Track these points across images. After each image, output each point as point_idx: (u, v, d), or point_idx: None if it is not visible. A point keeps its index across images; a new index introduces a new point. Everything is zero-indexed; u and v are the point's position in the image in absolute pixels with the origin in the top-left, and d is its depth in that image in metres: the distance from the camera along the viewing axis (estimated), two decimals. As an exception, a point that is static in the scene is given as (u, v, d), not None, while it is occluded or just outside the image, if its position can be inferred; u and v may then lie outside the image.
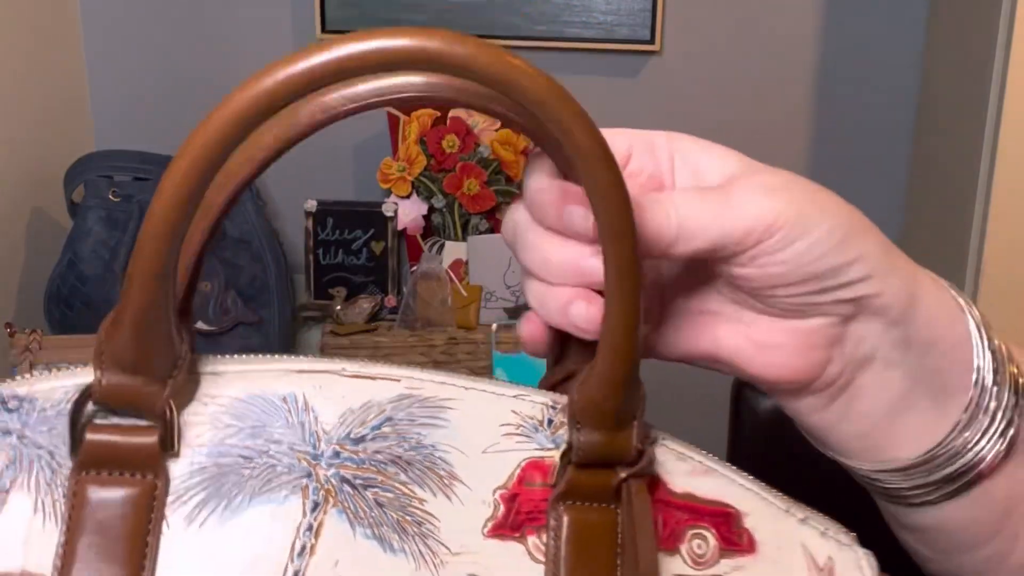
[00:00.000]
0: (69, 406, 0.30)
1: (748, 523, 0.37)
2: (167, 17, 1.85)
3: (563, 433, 0.34)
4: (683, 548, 0.36)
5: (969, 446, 0.37)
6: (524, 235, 0.35)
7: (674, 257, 0.35)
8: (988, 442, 0.36)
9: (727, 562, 0.36)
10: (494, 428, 0.34)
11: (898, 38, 1.77)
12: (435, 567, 0.33)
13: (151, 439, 0.31)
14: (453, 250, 1.72)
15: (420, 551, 0.33)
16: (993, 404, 0.36)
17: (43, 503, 0.30)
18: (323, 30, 1.78)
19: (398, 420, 0.33)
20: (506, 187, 1.72)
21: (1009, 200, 1.44)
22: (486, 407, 0.34)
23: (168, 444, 0.31)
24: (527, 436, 0.34)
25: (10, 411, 0.31)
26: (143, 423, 0.31)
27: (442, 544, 0.33)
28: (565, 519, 0.34)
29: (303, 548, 0.32)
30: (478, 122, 1.71)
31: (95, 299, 1.50)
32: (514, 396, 0.34)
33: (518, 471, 0.34)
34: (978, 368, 0.36)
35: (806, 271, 0.34)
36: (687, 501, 0.36)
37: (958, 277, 1.50)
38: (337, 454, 0.32)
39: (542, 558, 0.34)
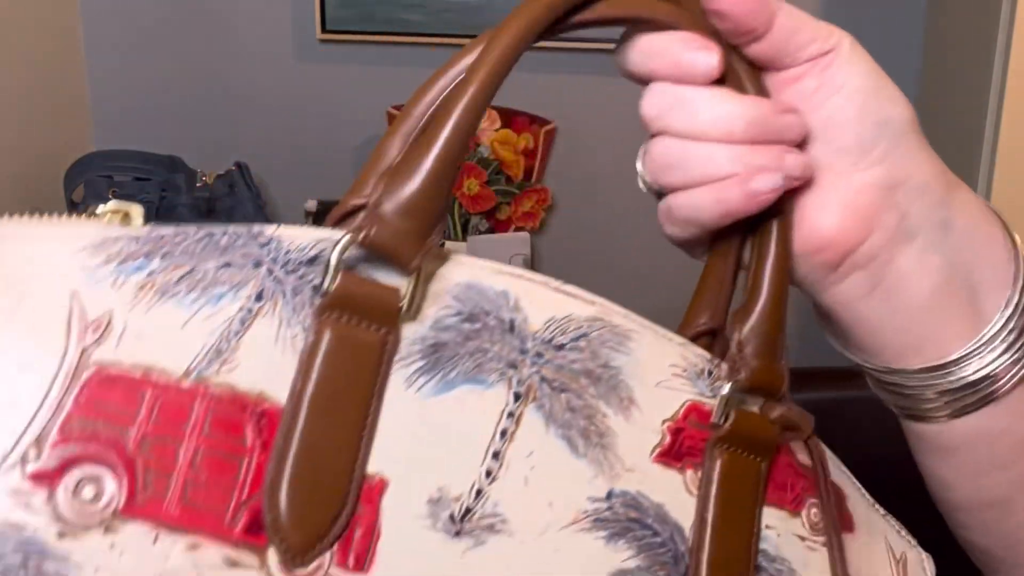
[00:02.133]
0: (333, 248, 0.31)
1: (849, 505, 0.40)
2: (167, 17, 1.83)
3: (720, 386, 0.37)
4: (803, 513, 0.39)
5: (996, 355, 0.39)
6: (690, 97, 0.36)
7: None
8: (1013, 354, 0.39)
9: (833, 536, 0.39)
10: (665, 366, 0.37)
11: (896, 38, 1.78)
12: (610, 478, 0.34)
13: (394, 297, 0.32)
14: (453, 250, 1.69)
15: (600, 460, 0.34)
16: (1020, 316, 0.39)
17: (283, 335, 0.31)
18: (323, 30, 1.78)
19: (592, 338, 0.35)
20: (506, 187, 1.72)
21: (1009, 200, 1.38)
22: (660, 347, 0.37)
23: (407, 305, 0.32)
24: (691, 381, 0.37)
25: (261, 246, 0.31)
26: (389, 282, 0.32)
27: (619, 458, 0.35)
28: (719, 462, 0.36)
29: (505, 432, 0.33)
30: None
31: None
32: (680, 344, 0.37)
33: (682, 409, 0.36)
34: (1014, 275, 0.39)
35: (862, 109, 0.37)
36: (809, 473, 0.39)
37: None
38: (540, 355, 0.34)
39: (695, 492, 0.36)
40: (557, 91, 1.80)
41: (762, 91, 0.37)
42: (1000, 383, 0.39)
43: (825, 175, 0.38)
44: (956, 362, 0.40)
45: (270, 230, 0.32)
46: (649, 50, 0.36)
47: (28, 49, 1.64)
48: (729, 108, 0.35)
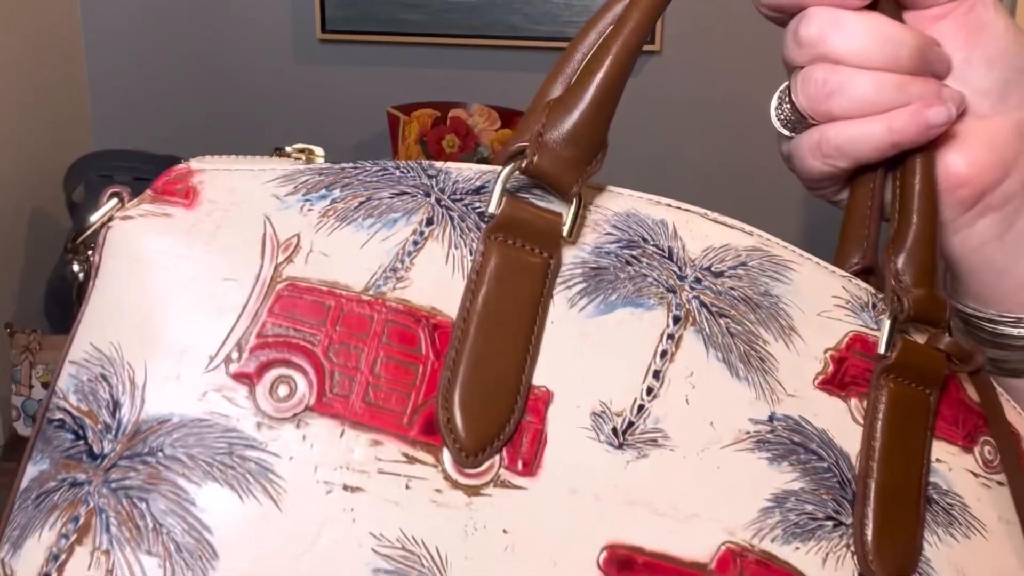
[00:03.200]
0: (499, 175, 0.33)
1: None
2: (167, 18, 1.88)
3: (884, 318, 0.37)
4: (976, 450, 0.38)
5: None
6: (852, 20, 0.35)
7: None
8: None
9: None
10: (827, 297, 0.37)
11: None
12: (771, 402, 0.35)
13: (556, 221, 0.33)
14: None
15: (760, 384, 0.35)
16: None
17: (453, 256, 0.33)
18: (323, 30, 1.82)
19: (751, 267, 0.36)
20: (506, 187, 1.73)
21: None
22: (822, 277, 0.37)
23: (568, 230, 0.34)
24: (854, 312, 0.37)
25: (430, 176, 0.34)
26: (552, 208, 0.34)
27: (779, 383, 0.35)
28: (886, 391, 0.36)
29: (665, 353, 0.34)
30: (478, 122, 1.73)
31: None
32: (842, 276, 0.37)
33: (846, 339, 0.36)
34: None
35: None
36: (982, 409, 0.38)
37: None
38: (699, 280, 0.35)
39: (861, 421, 0.36)
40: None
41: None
42: None
43: (963, 116, 0.38)
44: None
45: (439, 164, 0.34)
46: None
47: (29, 49, 1.66)
48: (894, 32, 0.35)
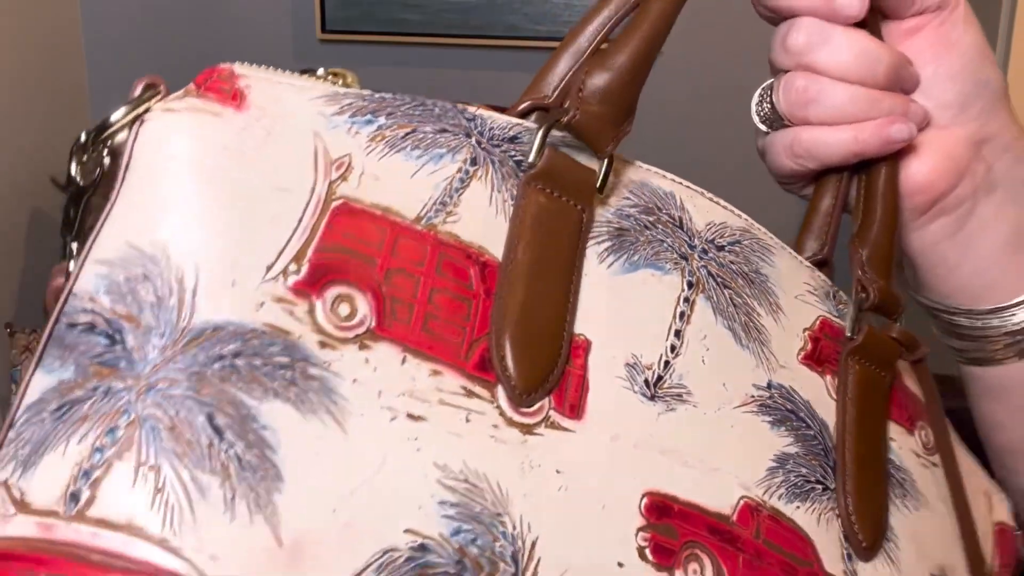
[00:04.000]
0: (541, 126, 0.33)
1: (953, 437, 0.43)
2: (167, 18, 1.81)
3: (844, 308, 0.40)
4: (917, 433, 0.41)
5: None
6: (838, 35, 0.38)
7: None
8: None
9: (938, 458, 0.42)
10: (800, 283, 0.39)
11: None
12: (768, 370, 0.36)
13: (591, 176, 0.34)
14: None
15: (759, 353, 0.36)
16: None
17: (495, 199, 0.32)
18: (323, 30, 1.76)
19: (744, 245, 0.38)
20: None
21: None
22: (795, 264, 0.39)
23: (601, 186, 0.34)
24: (821, 299, 0.40)
25: (468, 119, 0.33)
26: (584, 164, 0.34)
27: (773, 354, 0.37)
28: (853, 372, 0.39)
29: (683, 315, 0.35)
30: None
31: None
32: (808, 266, 0.40)
33: (817, 322, 0.39)
34: None
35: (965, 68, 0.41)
36: (917, 398, 0.42)
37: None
38: (705, 251, 0.36)
39: (835, 396, 0.38)
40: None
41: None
42: None
43: (926, 127, 0.42)
44: (1019, 304, 0.43)
45: (473, 108, 0.34)
46: None
47: (29, 49, 1.65)
48: (874, 50, 0.39)
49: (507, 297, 0.31)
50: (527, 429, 0.30)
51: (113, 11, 1.86)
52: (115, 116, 0.28)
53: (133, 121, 0.28)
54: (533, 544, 0.29)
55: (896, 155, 0.41)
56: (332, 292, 0.28)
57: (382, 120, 0.31)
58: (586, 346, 0.32)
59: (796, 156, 0.41)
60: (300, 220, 0.29)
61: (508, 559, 0.28)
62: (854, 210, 0.42)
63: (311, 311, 0.28)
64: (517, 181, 0.33)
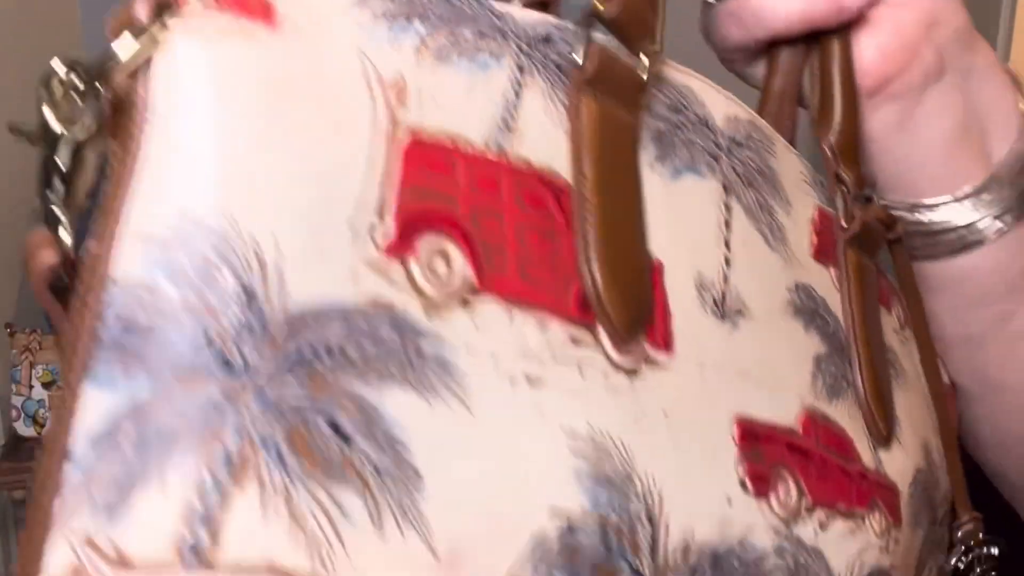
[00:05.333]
0: (586, 23, 0.29)
1: (912, 307, 0.44)
2: None
3: (837, 195, 0.39)
4: (893, 312, 0.42)
5: (994, 203, 0.43)
6: None
7: None
8: (1007, 205, 0.43)
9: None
10: (797, 172, 0.38)
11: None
12: (794, 272, 0.35)
13: (639, 75, 0.30)
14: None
15: (784, 254, 0.35)
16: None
17: (549, 109, 0.28)
18: None
19: (754, 139, 0.36)
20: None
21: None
22: (790, 154, 0.38)
23: (646, 85, 0.31)
24: (814, 188, 0.39)
25: (498, 18, 0.28)
26: (630, 61, 0.30)
27: (793, 253, 0.36)
28: (851, 262, 0.38)
29: (727, 223, 0.33)
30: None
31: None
32: (796, 153, 0.39)
33: (816, 212, 0.38)
34: (1018, 128, 0.43)
35: None
36: (897, 273, 0.42)
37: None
38: (731, 151, 0.34)
39: (838, 288, 0.38)
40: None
41: None
42: (991, 229, 0.43)
43: (877, 2, 0.41)
44: (961, 199, 0.44)
45: (499, 5, 0.29)
46: None
47: (28, 50, 1.64)
48: None
49: (587, 227, 0.27)
50: (632, 372, 0.27)
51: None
52: (121, 50, 0.21)
53: (144, 56, 0.22)
54: (660, 499, 0.26)
55: (847, 33, 0.40)
56: (426, 247, 0.23)
57: (418, 26, 0.26)
58: (660, 268, 0.29)
59: (743, 23, 0.39)
60: (370, 162, 0.23)
61: (644, 520, 0.26)
62: (809, 98, 0.40)
63: (408, 274, 0.23)
64: (564, 87, 0.29)
